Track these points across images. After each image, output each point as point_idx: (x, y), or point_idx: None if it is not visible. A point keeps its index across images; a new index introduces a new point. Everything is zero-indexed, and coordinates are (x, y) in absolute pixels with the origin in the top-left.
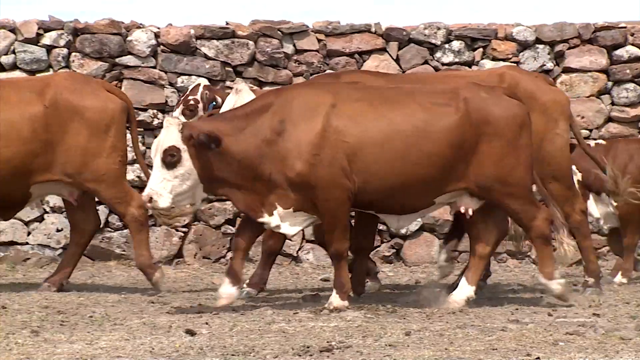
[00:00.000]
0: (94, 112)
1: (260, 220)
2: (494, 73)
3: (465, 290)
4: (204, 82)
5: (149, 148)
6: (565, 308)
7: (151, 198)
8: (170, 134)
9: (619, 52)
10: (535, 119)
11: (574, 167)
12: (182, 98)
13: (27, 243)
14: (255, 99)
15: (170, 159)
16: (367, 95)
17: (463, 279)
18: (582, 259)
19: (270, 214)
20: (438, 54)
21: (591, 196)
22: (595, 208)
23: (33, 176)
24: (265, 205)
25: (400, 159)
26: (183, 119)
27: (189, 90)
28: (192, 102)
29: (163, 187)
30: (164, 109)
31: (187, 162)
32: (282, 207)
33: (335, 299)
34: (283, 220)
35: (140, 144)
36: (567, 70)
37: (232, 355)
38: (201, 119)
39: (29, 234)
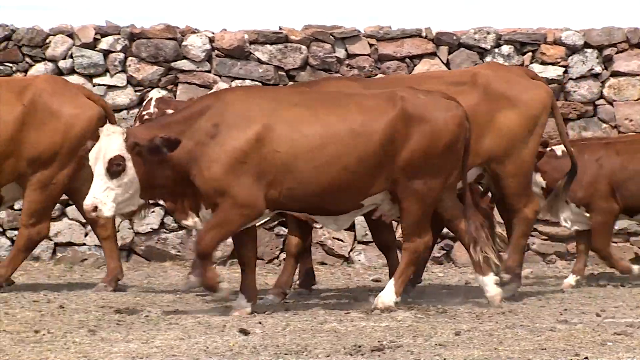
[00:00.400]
0: (70, 117)
1: (185, 223)
2: (467, 73)
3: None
4: (156, 95)
5: None
6: (613, 308)
7: (96, 207)
8: (114, 143)
9: None
10: (511, 118)
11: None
12: (137, 114)
13: (84, 244)
14: (194, 102)
15: (116, 168)
16: (305, 100)
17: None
18: (508, 252)
19: (195, 216)
20: (488, 58)
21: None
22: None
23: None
24: (192, 208)
25: (334, 162)
26: None
27: (143, 105)
28: (146, 116)
29: (107, 195)
30: None
31: (130, 171)
32: (205, 209)
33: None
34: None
35: None
36: (616, 74)
37: (285, 354)
38: (138, 126)
39: (86, 235)
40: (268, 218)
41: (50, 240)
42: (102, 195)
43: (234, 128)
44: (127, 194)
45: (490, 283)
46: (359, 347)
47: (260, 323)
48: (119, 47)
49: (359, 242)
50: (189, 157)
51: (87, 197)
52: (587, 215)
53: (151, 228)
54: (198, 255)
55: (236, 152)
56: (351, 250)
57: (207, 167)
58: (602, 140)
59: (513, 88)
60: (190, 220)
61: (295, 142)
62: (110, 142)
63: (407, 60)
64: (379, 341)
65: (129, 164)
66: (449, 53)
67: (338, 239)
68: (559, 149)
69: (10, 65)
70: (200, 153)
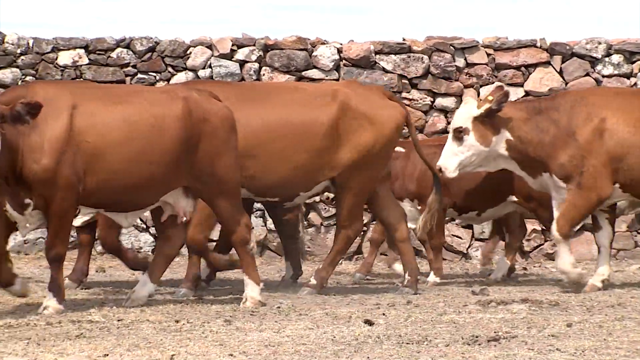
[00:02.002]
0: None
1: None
2: (329, 88)
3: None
4: None
5: None
6: None
7: None
8: None
9: None
10: (367, 136)
11: None
12: None
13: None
14: (8, 91)
15: None
16: (107, 95)
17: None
18: (323, 263)
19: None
20: (599, 67)
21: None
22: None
23: None
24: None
25: (136, 158)
26: None
27: None
28: None
29: None
30: None
31: None
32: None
33: (51, 303)
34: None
35: None
36: None
37: (407, 343)
38: None
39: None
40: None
41: None
42: None
43: (49, 118)
44: None
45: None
46: (476, 337)
47: (384, 314)
48: (254, 58)
49: (477, 239)
50: (16, 146)
51: None
52: (419, 208)
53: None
54: (53, 261)
55: (58, 142)
56: (469, 246)
57: (37, 162)
58: (437, 142)
59: (371, 107)
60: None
61: (102, 136)
62: None
63: (523, 68)
64: (494, 332)
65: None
66: (562, 62)
67: (457, 236)
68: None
69: (154, 74)
70: (23, 144)
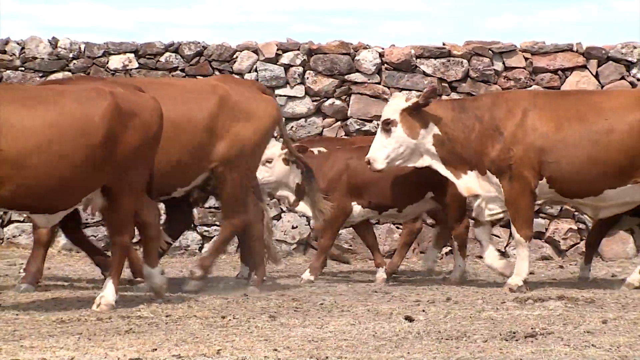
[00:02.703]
0: None
1: None
2: (207, 83)
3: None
4: None
5: None
6: None
7: None
8: None
9: None
10: (245, 128)
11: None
12: None
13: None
14: None
15: None
16: (26, 98)
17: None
18: (208, 251)
19: None
20: (634, 71)
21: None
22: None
23: None
24: None
25: (57, 158)
26: None
27: None
28: None
29: None
30: None
31: None
32: None
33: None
34: None
35: None
36: None
37: (446, 339)
38: None
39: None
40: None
41: None
42: None
43: None
44: None
45: (156, 274)
46: (514, 333)
47: (423, 311)
48: (298, 62)
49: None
50: None
51: None
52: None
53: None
54: None
55: None
56: (507, 245)
57: None
58: (354, 144)
59: (248, 101)
60: None
61: (18, 141)
62: None
63: (560, 72)
64: (531, 328)
65: None
66: (598, 66)
67: (495, 235)
68: (316, 150)
69: (202, 78)
70: None
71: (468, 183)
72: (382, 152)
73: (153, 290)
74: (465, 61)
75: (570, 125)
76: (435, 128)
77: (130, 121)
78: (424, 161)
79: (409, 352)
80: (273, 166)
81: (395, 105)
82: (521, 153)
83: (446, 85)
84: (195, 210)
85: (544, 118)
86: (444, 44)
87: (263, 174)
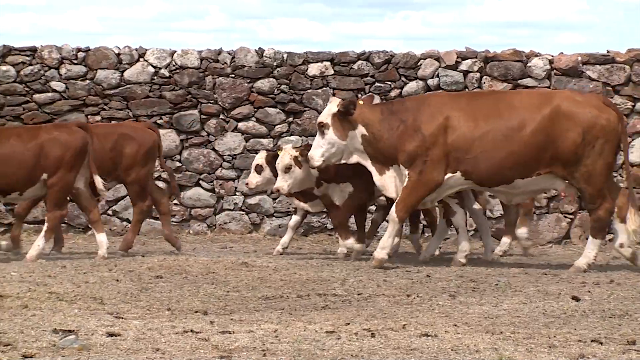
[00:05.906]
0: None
1: None
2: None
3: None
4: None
5: None
6: None
7: None
8: None
9: None
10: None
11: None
12: None
13: None
14: None
15: None
16: None
17: None
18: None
19: None
20: None
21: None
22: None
23: None
24: None
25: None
26: None
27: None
28: None
29: None
30: None
31: None
32: None
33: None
34: None
35: None
36: None
37: (610, 317)
38: None
39: None
40: None
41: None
42: None
43: None
44: None
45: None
46: None
47: (589, 291)
48: (475, 68)
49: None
50: None
51: None
52: None
53: (500, 213)
54: None
55: None
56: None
57: None
58: None
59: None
60: None
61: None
62: None
63: None
64: None
65: None
66: None
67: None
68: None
69: (389, 83)
70: None
71: (384, 182)
72: (317, 150)
73: None
74: (627, 67)
75: (487, 123)
76: (364, 130)
77: None
78: (354, 159)
79: (575, 329)
80: None
81: (328, 110)
82: (438, 153)
83: (610, 88)
84: None
85: (462, 119)
86: (608, 52)
87: None
